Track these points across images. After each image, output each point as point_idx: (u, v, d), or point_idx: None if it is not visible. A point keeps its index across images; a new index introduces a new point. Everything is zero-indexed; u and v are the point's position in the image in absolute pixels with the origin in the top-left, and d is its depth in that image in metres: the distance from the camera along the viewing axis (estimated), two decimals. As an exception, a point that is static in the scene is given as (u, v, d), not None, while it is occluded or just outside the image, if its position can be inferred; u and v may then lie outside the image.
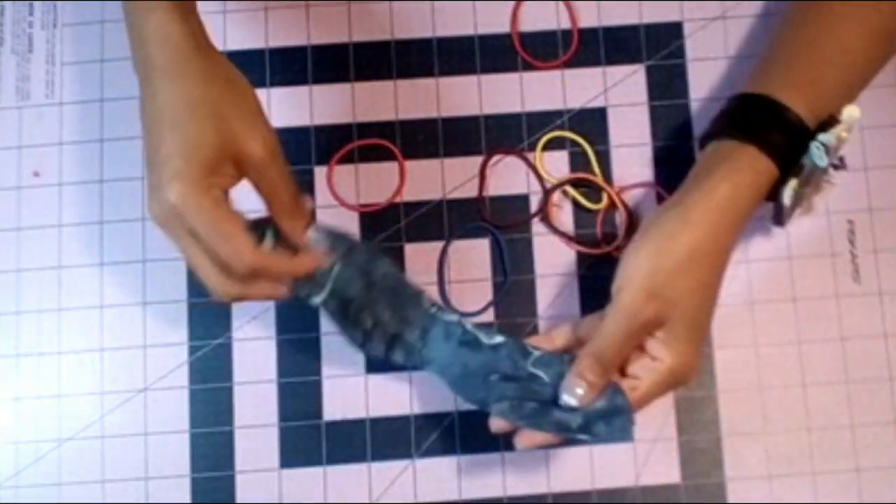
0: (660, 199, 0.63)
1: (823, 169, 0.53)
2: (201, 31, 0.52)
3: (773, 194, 0.54)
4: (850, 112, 0.53)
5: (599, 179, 0.63)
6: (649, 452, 0.61)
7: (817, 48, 0.55)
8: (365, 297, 0.55)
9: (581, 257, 0.63)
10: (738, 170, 0.53)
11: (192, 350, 0.62)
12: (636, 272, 0.52)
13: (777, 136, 0.53)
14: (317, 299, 0.54)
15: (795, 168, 0.53)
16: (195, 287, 0.62)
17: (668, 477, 0.60)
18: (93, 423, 0.61)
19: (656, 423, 0.61)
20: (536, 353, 0.55)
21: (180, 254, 0.49)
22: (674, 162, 0.63)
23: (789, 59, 0.56)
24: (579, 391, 0.52)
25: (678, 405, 0.61)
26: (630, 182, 0.64)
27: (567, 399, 0.52)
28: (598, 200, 0.63)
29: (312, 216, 0.54)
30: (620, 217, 0.63)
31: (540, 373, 0.55)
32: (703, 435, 0.61)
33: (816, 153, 0.52)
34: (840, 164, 0.55)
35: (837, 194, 0.63)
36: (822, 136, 0.52)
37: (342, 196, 0.63)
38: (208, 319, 0.62)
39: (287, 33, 0.66)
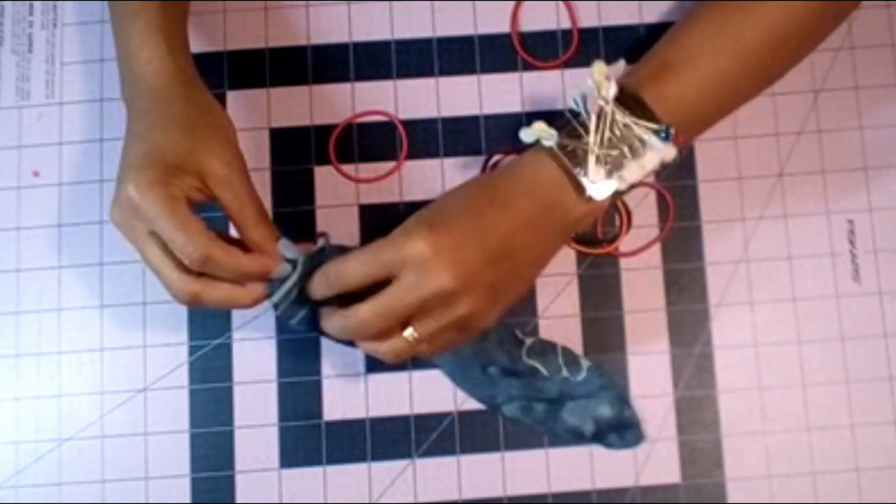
0: (660, 198, 0.63)
1: (579, 112, 0.53)
2: (190, 66, 0.56)
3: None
4: (616, 63, 0.53)
5: (599, 179, 0.63)
6: (649, 452, 0.61)
7: (662, 54, 0.55)
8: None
9: (581, 257, 0.63)
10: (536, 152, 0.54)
11: (192, 350, 0.62)
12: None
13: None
14: (294, 321, 0.54)
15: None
16: (195, 287, 0.62)
17: (668, 477, 0.60)
18: (93, 423, 0.61)
19: (656, 423, 0.61)
20: (528, 342, 0.56)
21: (138, 255, 0.51)
22: (674, 162, 0.64)
23: (652, 53, 0.56)
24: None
25: (678, 405, 0.61)
26: (630, 182, 0.64)
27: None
28: (598, 200, 0.63)
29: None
30: (620, 217, 0.63)
31: (538, 365, 0.56)
32: (703, 435, 0.61)
33: (573, 102, 0.53)
34: (666, 136, 0.52)
35: (838, 194, 0.63)
36: (581, 87, 0.53)
37: (343, 195, 0.63)
38: (208, 319, 0.62)
39: (287, 33, 0.66)
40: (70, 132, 0.64)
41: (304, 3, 0.66)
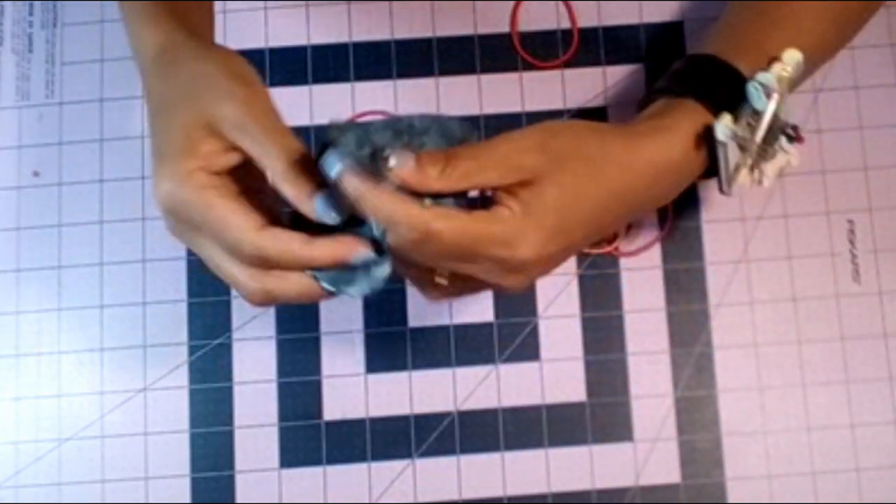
0: (660, 199, 0.63)
1: (762, 110, 0.49)
2: (186, 20, 0.49)
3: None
4: (790, 54, 0.49)
5: (599, 179, 0.63)
6: (649, 452, 0.61)
7: (766, 15, 0.52)
8: None
9: (581, 257, 0.63)
10: (670, 117, 0.48)
11: (192, 350, 0.62)
12: (538, 127, 0.45)
13: (716, 88, 0.49)
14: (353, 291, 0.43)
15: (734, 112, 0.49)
16: (195, 287, 0.62)
17: (668, 477, 0.60)
18: (93, 423, 0.61)
19: (656, 423, 0.61)
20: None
21: (203, 259, 0.45)
22: (674, 162, 0.64)
23: (736, 25, 0.53)
24: (400, 159, 0.41)
25: (678, 405, 0.61)
26: (630, 182, 0.64)
27: (390, 158, 0.41)
28: (598, 200, 0.63)
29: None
30: (620, 217, 0.63)
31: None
32: (703, 435, 0.61)
33: (754, 93, 0.49)
34: (795, 136, 0.50)
35: (838, 194, 0.63)
36: (760, 76, 0.49)
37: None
38: (208, 319, 0.62)
39: (287, 33, 0.66)
40: (70, 132, 0.64)
41: (304, 3, 0.66)
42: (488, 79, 0.65)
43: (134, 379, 0.62)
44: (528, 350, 0.62)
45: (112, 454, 0.61)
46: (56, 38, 0.66)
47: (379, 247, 0.42)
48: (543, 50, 0.65)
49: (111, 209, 0.63)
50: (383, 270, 0.43)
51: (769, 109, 0.49)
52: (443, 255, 0.43)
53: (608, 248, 0.62)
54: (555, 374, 0.61)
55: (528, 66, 0.65)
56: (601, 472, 0.61)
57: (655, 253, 0.63)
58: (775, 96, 0.49)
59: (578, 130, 0.46)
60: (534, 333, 0.62)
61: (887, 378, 0.61)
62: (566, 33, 0.66)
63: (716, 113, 0.48)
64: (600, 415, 0.61)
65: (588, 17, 0.66)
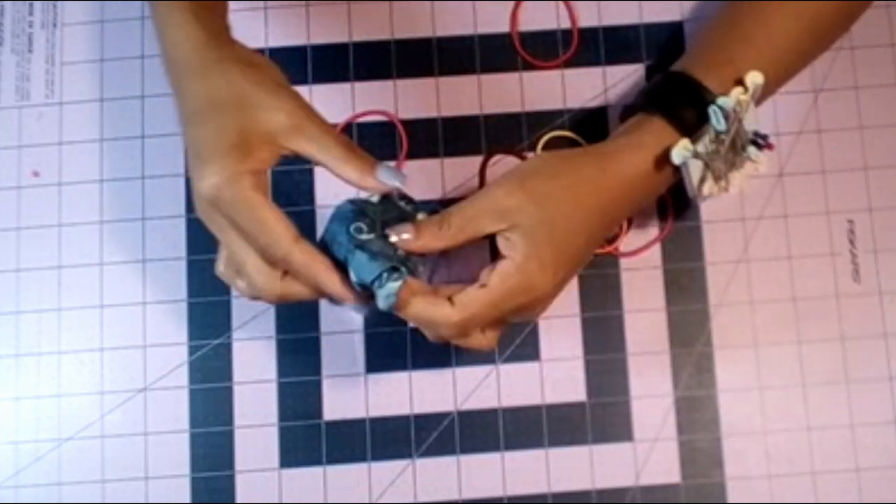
0: (660, 198, 0.63)
1: (723, 132, 0.52)
2: (217, 24, 0.52)
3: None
4: (752, 77, 0.53)
5: (599, 179, 0.63)
6: (649, 452, 0.61)
7: (739, 28, 0.55)
8: None
9: (581, 257, 0.63)
10: (638, 134, 0.53)
11: (192, 350, 0.62)
12: (514, 171, 0.52)
13: (684, 107, 0.53)
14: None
15: (695, 133, 0.53)
16: (195, 287, 0.62)
17: (668, 477, 0.60)
18: (93, 423, 0.61)
19: (656, 423, 0.61)
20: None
21: (225, 249, 0.49)
22: (674, 162, 0.64)
23: (711, 39, 0.56)
24: (406, 235, 0.49)
25: (678, 405, 0.61)
26: (630, 182, 0.64)
27: (393, 236, 0.49)
28: (598, 200, 0.63)
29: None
30: (620, 217, 0.63)
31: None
32: (703, 435, 0.61)
33: (714, 116, 0.52)
34: (764, 143, 0.54)
35: (838, 194, 0.63)
36: (720, 100, 0.52)
37: (342, 195, 0.63)
38: (208, 319, 0.62)
39: (287, 33, 0.66)
40: (70, 132, 0.64)
41: (303, 3, 0.66)
42: (488, 79, 0.65)
43: (134, 379, 0.62)
44: (528, 350, 0.62)
45: (112, 454, 0.61)
46: (56, 38, 0.66)
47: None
48: (543, 50, 0.65)
49: (111, 209, 0.63)
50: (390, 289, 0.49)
51: (730, 130, 0.53)
52: (479, 327, 0.51)
53: (608, 248, 0.62)
54: (555, 374, 0.62)
55: (528, 66, 0.65)
56: (601, 472, 0.61)
57: (655, 253, 0.63)
58: (737, 117, 0.52)
59: (551, 165, 0.52)
60: (534, 333, 0.62)
61: (887, 378, 0.62)
62: (566, 33, 0.66)
63: (680, 130, 0.53)
64: (600, 415, 0.61)
65: (588, 17, 0.66)
